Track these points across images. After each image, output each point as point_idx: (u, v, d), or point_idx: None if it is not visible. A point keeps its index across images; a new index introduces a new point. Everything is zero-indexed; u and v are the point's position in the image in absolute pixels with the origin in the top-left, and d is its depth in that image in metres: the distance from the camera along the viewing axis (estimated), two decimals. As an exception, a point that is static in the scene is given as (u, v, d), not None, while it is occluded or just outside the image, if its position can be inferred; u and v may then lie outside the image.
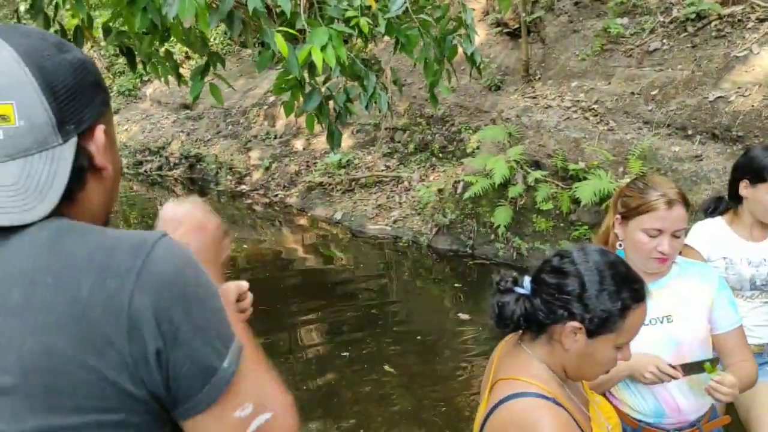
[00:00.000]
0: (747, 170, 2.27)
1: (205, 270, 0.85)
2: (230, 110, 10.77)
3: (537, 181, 5.62)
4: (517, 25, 7.09)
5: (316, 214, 7.93)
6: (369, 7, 3.65)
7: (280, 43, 2.89)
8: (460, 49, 3.84)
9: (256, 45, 3.91)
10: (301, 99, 3.59)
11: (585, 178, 5.22)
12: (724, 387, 1.65)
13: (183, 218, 1.02)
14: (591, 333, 1.27)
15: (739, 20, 5.32)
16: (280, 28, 3.07)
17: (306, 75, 3.52)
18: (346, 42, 4.97)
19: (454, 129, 7.64)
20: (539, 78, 6.80)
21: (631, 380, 1.83)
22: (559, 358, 1.31)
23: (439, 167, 7.56)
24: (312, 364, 4.24)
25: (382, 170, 8.10)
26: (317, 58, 3.05)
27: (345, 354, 4.30)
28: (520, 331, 1.38)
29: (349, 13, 3.49)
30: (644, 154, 5.02)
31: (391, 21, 3.64)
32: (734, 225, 2.38)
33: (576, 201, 5.20)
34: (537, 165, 5.81)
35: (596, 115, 5.70)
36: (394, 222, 7.02)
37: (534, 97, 6.38)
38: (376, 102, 3.76)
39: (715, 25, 5.43)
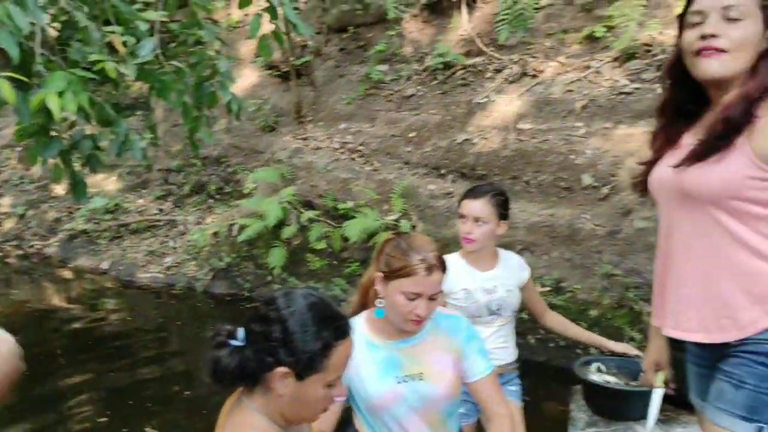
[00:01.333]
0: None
1: None
2: (-25, 152, 9.56)
3: (310, 221, 5.73)
4: (287, 69, 7.24)
5: (80, 264, 7.28)
6: (117, 51, 3.48)
7: (5, 90, 2.62)
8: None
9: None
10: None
11: (354, 217, 5.44)
12: None
13: None
14: (299, 376, 1.30)
15: (479, 70, 5.97)
16: (7, 74, 2.79)
17: (47, 121, 3.23)
18: (96, 80, 4.68)
19: (231, 170, 7.55)
20: (310, 120, 6.99)
21: (372, 424, 1.89)
22: (276, 406, 1.33)
23: (216, 209, 7.40)
24: (84, 426, 3.85)
25: (155, 214, 7.71)
26: (53, 105, 2.82)
27: (103, 419, 3.97)
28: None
29: (94, 57, 3.29)
30: (405, 193, 5.37)
31: (144, 66, 3.51)
32: (467, 258, 2.61)
33: (346, 239, 5.38)
34: (310, 205, 5.93)
35: (362, 156, 5.99)
36: (168, 269, 6.69)
37: (305, 139, 6.54)
38: (129, 149, 3.57)
39: (461, 75, 6.04)
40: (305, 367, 1.30)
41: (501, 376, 2.66)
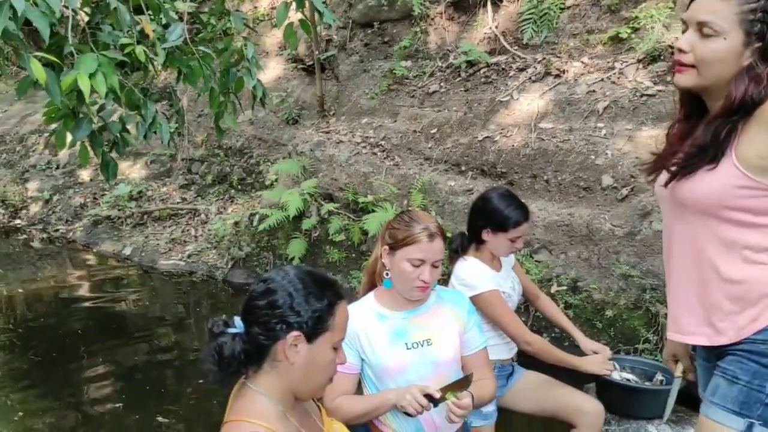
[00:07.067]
0: (488, 221, 2.56)
1: None
2: (4, 137, 9.75)
3: (330, 213, 5.78)
4: (311, 62, 7.30)
5: (103, 249, 7.41)
6: (147, 36, 3.55)
7: (36, 69, 2.69)
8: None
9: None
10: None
11: (373, 211, 5.48)
12: (458, 409, 1.80)
13: None
14: (310, 337, 1.36)
15: (503, 69, 5.97)
16: (38, 53, 2.86)
17: (77, 103, 3.31)
18: (124, 69, 4.78)
19: (253, 161, 7.64)
20: (333, 114, 7.05)
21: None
22: (287, 381, 1.37)
23: (238, 200, 7.49)
24: (98, 410, 3.95)
25: (178, 202, 7.82)
26: (84, 86, 2.89)
27: (118, 404, 4.05)
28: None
29: (124, 40, 3.36)
30: (425, 188, 5.39)
31: (171, 51, 3.58)
32: (482, 260, 2.65)
33: (365, 232, 5.42)
34: (330, 198, 5.98)
35: (383, 151, 6.03)
36: (189, 256, 6.79)
37: (327, 132, 6.59)
38: (156, 132, 3.64)
39: (484, 72, 6.04)
40: (315, 326, 1.36)
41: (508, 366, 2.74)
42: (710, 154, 1.51)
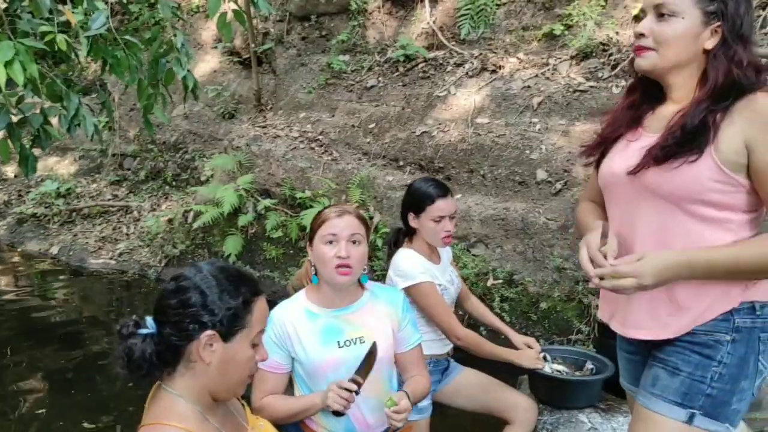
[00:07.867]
0: (410, 205, 2.54)
1: None
2: None
3: (267, 209, 5.68)
4: (248, 55, 7.16)
5: (29, 249, 7.08)
6: (70, 25, 3.38)
7: (-56, 56, 2.53)
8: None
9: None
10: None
11: (311, 206, 5.42)
12: (398, 414, 1.78)
13: None
14: (225, 336, 1.30)
15: (440, 64, 6.00)
16: (-52, 39, 2.69)
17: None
18: (52, 61, 4.56)
19: (188, 156, 7.44)
20: (270, 108, 6.93)
21: (314, 391, 1.92)
22: (203, 381, 1.31)
23: (172, 196, 7.27)
24: (22, 417, 3.75)
25: (109, 199, 7.54)
26: (-1, 75, 2.73)
27: (41, 410, 3.87)
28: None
29: (44, 29, 3.19)
30: (363, 183, 5.37)
31: (95, 40, 3.42)
32: (418, 252, 2.62)
33: (303, 228, 5.36)
34: (267, 193, 5.88)
35: (321, 146, 5.97)
36: (120, 255, 6.56)
37: (264, 127, 6.48)
38: (80, 125, 3.49)
39: (422, 67, 6.06)
40: (230, 325, 1.30)
41: (445, 360, 2.73)
42: (697, 142, 1.47)
